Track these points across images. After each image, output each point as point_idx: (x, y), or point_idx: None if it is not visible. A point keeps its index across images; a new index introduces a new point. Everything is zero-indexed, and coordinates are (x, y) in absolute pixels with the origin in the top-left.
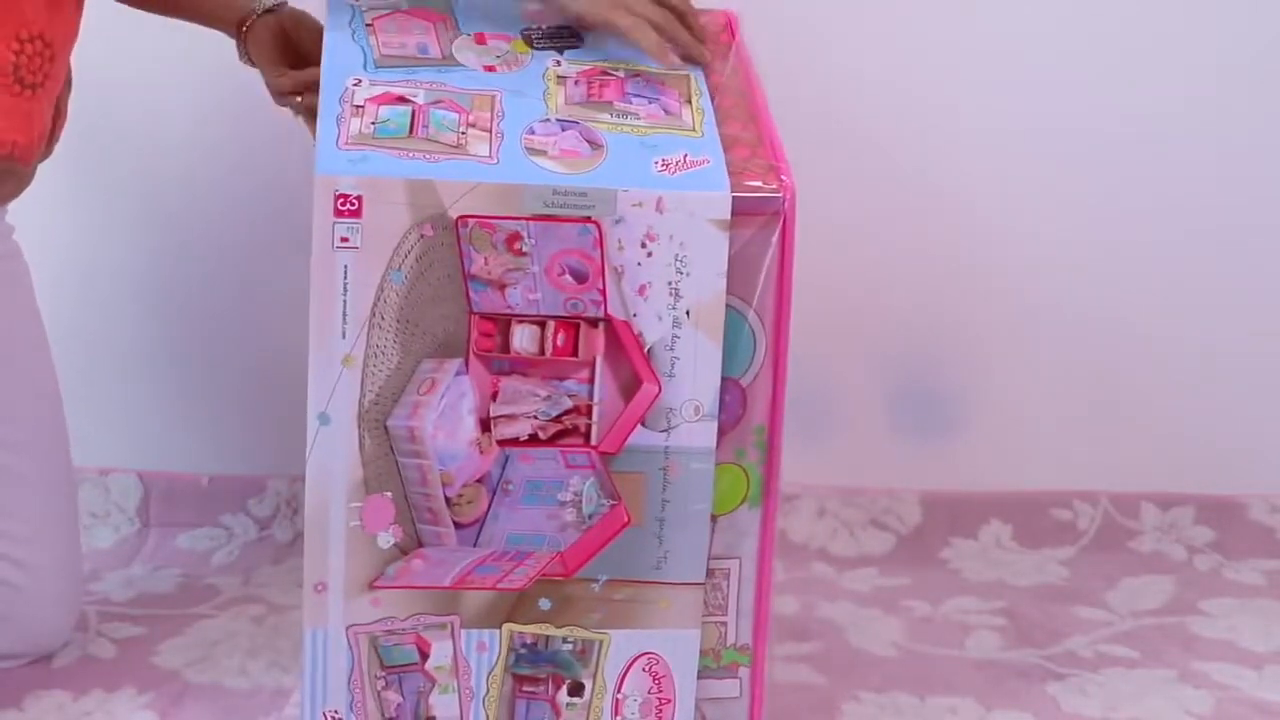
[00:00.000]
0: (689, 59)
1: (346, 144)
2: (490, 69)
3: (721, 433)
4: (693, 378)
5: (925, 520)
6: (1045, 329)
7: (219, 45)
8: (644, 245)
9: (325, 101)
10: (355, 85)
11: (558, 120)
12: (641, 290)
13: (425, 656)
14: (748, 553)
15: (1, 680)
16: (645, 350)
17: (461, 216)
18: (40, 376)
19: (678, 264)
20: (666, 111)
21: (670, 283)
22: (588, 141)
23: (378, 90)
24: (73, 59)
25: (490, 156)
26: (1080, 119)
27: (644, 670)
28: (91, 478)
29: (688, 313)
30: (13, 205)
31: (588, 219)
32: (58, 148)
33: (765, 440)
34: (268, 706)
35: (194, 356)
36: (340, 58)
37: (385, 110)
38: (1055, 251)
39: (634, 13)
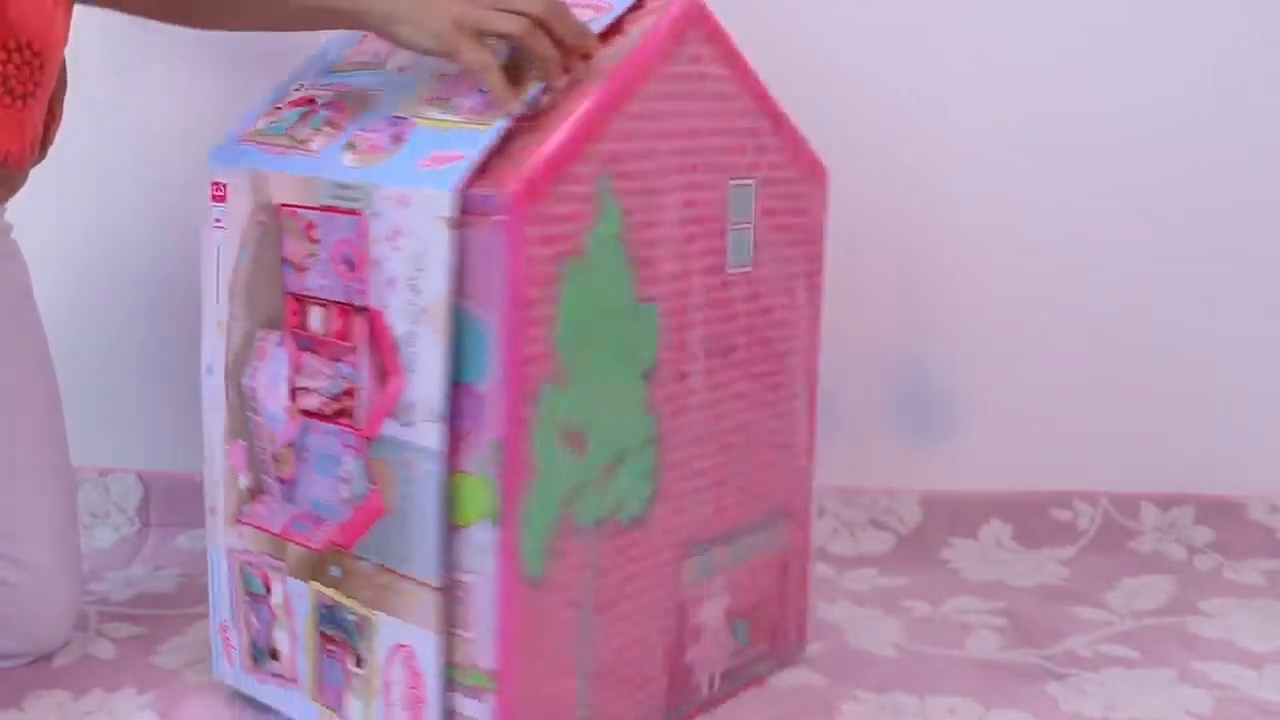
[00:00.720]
0: (540, 76)
1: (240, 140)
2: (403, 70)
3: (461, 438)
4: (424, 377)
5: (925, 520)
6: (1045, 328)
7: (217, 44)
8: (392, 239)
9: (262, 103)
10: (296, 90)
11: (394, 117)
12: (391, 284)
13: (269, 592)
14: (487, 572)
15: (1, 680)
16: (393, 343)
17: (281, 205)
18: (39, 376)
19: (416, 260)
20: (489, 106)
21: (410, 279)
22: (395, 138)
23: (305, 94)
24: (68, 58)
25: (316, 152)
26: (1082, 117)
27: (403, 662)
28: (91, 478)
29: (424, 310)
30: (11, 204)
31: (353, 211)
32: (52, 149)
33: (500, 456)
34: None
35: (194, 356)
36: (308, 66)
37: (290, 112)
38: (1055, 251)
39: (486, 30)
